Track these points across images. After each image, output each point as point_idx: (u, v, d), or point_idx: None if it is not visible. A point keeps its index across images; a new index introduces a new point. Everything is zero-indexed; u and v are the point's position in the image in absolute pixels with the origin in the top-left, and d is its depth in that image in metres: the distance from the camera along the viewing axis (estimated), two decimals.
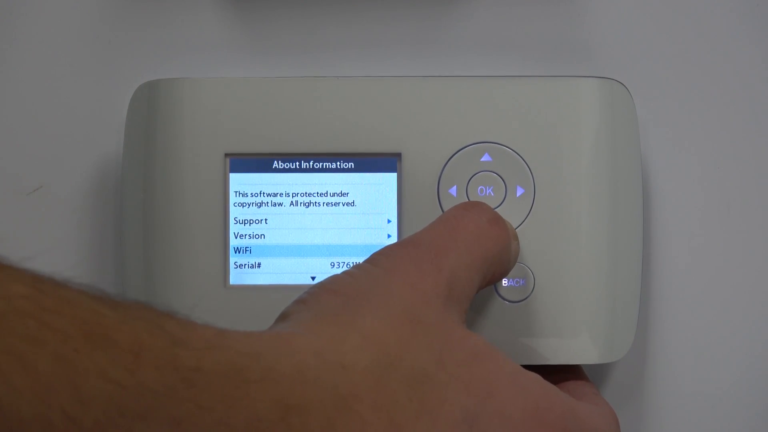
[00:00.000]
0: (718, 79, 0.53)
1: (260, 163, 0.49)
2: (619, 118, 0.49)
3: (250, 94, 0.49)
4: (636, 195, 0.49)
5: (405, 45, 0.53)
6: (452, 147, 0.49)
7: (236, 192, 0.49)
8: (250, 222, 0.49)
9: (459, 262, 0.41)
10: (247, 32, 0.53)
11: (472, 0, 0.53)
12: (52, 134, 0.53)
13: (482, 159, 0.49)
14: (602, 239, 0.48)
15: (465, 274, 0.41)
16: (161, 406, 0.30)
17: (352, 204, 0.49)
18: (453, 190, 0.49)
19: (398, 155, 0.49)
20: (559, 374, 0.48)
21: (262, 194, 0.49)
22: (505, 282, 0.48)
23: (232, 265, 0.49)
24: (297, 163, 0.49)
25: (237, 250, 0.49)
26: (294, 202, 0.49)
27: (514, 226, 0.48)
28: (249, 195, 0.49)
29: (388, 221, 0.49)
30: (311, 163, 0.49)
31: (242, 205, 0.49)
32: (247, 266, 0.49)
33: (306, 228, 0.49)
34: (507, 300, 0.48)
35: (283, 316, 0.38)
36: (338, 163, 0.49)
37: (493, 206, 0.48)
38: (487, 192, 0.49)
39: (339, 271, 0.41)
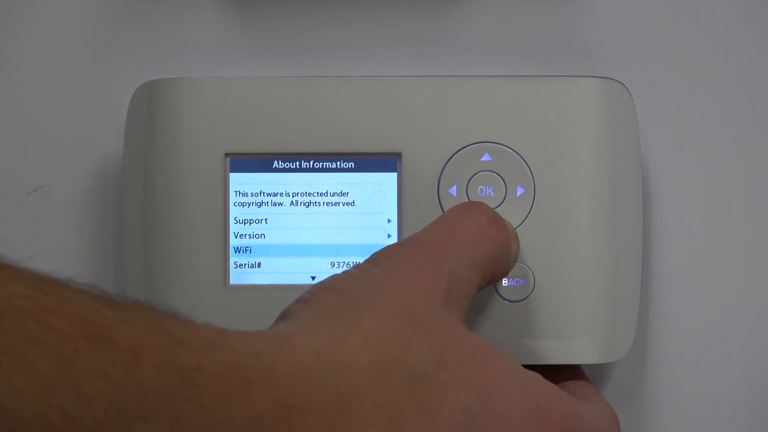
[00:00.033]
0: (718, 79, 0.53)
1: (260, 162, 0.49)
2: (619, 118, 0.49)
3: (250, 94, 0.49)
4: (636, 195, 0.49)
5: (405, 45, 0.53)
6: (452, 147, 0.49)
7: (236, 192, 0.49)
8: (250, 222, 0.49)
9: (459, 262, 0.41)
10: (247, 32, 0.53)
11: (472, 0, 0.53)
12: (52, 134, 0.53)
13: (482, 159, 0.49)
14: (602, 239, 0.48)
15: (465, 274, 0.41)
16: (161, 406, 0.30)
17: (352, 204, 0.49)
18: (453, 190, 0.49)
19: (398, 155, 0.49)
20: (559, 374, 0.49)
21: (262, 194, 0.49)
22: (505, 282, 0.48)
23: (232, 265, 0.49)
24: (297, 163, 0.49)
25: (237, 250, 0.49)
26: (294, 202, 0.49)
27: (514, 226, 0.48)
28: (249, 195, 0.49)
29: (388, 221, 0.49)
30: (311, 163, 0.49)
31: (242, 204, 0.49)
32: (247, 266, 0.49)
33: (306, 228, 0.49)
34: (507, 300, 0.48)
35: (284, 316, 0.38)
36: (338, 162, 0.49)
37: (493, 206, 0.48)
38: (487, 192, 0.49)
39: (339, 270, 0.41)
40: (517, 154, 0.49)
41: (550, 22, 0.53)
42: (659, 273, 0.53)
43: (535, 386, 0.39)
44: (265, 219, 0.49)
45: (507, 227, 0.44)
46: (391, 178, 0.49)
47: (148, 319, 0.32)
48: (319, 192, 0.49)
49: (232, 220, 0.49)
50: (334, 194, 0.49)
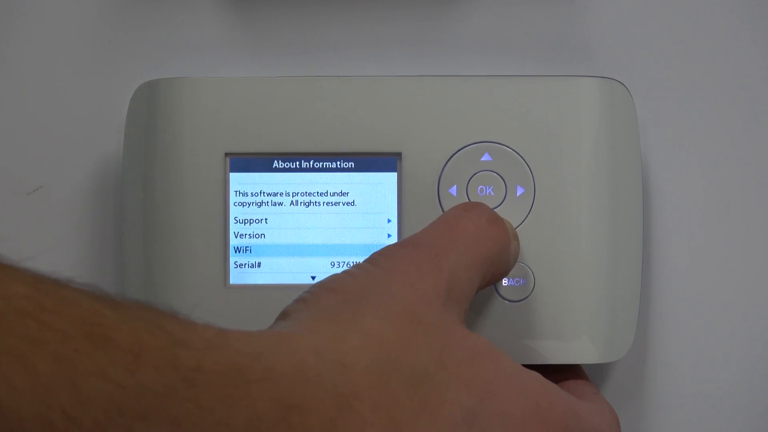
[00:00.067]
0: (718, 79, 0.53)
1: (260, 162, 0.49)
2: (619, 118, 0.49)
3: (250, 94, 0.49)
4: (636, 195, 0.49)
5: (405, 45, 0.53)
6: (452, 147, 0.49)
7: (236, 191, 0.49)
8: (250, 221, 0.49)
9: (459, 263, 0.41)
10: (247, 32, 0.53)
11: (472, 0, 0.53)
12: (52, 134, 0.53)
13: (482, 159, 0.49)
14: (602, 239, 0.48)
15: (465, 275, 0.41)
16: (161, 406, 0.30)
17: (352, 204, 0.49)
18: (453, 190, 0.49)
19: (398, 155, 0.49)
20: (559, 374, 0.49)
21: (262, 194, 0.49)
22: (505, 281, 0.48)
23: (232, 265, 0.49)
24: (297, 163, 0.49)
25: (237, 250, 0.49)
26: (294, 202, 0.49)
27: (514, 226, 0.48)
28: (249, 194, 0.49)
29: (388, 221, 0.49)
30: (311, 163, 0.49)
31: (242, 204, 0.49)
32: (247, 266, 0.49)
33: (306, 227, 0.49)
34: (507, 299, 0.48)
35: (284, 315, 0.38)
36: (338, 162, 0.49)
37: (493, 206, 0.48)
38: (487, 192, 0.49)
39: (339, 270, 0.41)
40: (517, 154, 0.49)
41: (550, 22, 0.53)
42: (659, 273, 0.53)
43: (535, 386, 0.39)
44: (265, 219, 0.49)
45: (506, 227, 0.44)
46: (391, 178, 0.49)
47: (148, 319, 0.32)
48: (319, 192, 0.49)
49: (232, 220, 0.49)
50: (334, 194, 0.49)
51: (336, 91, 0.49)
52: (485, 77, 0.49)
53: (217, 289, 0.48)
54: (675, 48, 0.53)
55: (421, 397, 0.36)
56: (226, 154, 0.49)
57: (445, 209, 0.48)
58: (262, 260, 0.49)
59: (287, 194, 0.49)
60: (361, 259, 0.42)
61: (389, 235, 0.49)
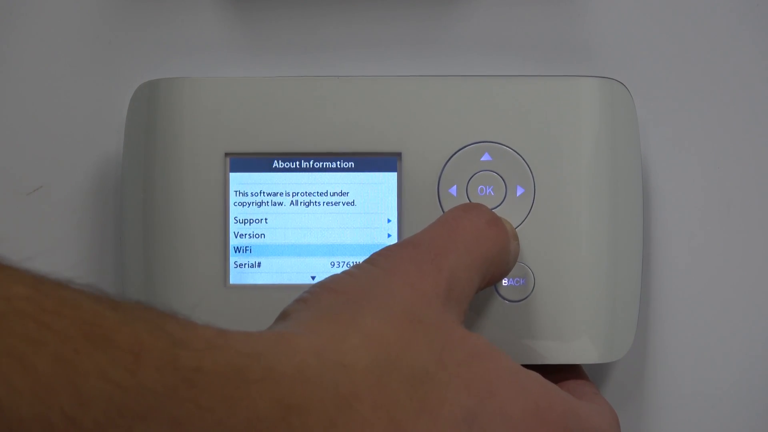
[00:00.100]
0: (718, 79, 0.53)
1: (260, 162, 0.49)
2: (619, 118, 0.49)
3: (250, 94, 0.49)
4: (636, 195, 0.49)
5: (405, 45, 0.53)
6: (452, 147, 0.49)
7: (236, 191, 0.49)
8: (250, 221, 0.49)
9: (458, 263, 0.41)
10: (247, 32, 0.53)
11: (472, 0, 0.53)
12: (52, 134, 0.53)
13: (482, 158, 0.49)
14: (602, 239, 0.48)
15: (464, 275, 0.41)
16: (161, 406, 0.30)
17: (352, 204, 0.49)
18: (453, 190, 0.49)
19: (398, 155, 0.49)
20: (559, 374, 0.49)
21: (262, 194, 0.49)
22: (505, 281, 0.48)
23: (232, 265, 0.49)
24: (297, 163, 0.49)
25: (237, 250, 0.49)
26: (294, 202, 0.49)
27: (514, 226, 0.48)
28: (249, 194, 0.49)
29: (388, 221, 0.49)
30: (311, 163, 0.49)
31: (242, 204, 0.49)
32: (247, 266, 0.49)
33: (306, 227, 0.49)
34: (507, 299, 0.48)
35: (284, 315, 0.38)
36: (338, 162, 0.49)
37: (493, 206, 0.48)
38: (487, 191, 0.49)
39: (339, 270, 0.41)
40: (517, 154, 0.49)
41: (550, 22, 0.53)
42: (659, 273, 0.53)
43: (534, 386, 0.39)
44: (265, 219, 0.49)
45: (506, 228, 0.44)
46: (391, 178, 0.49)
47: (149, 319, 0.32)
48: (319, 192, 0.49)
49: (232, 220, 0.49)
50: (334, 194, 0.49)
51: (336, 91, 0.49)
52: (485, 77, 0.49)
53: (217, 289, 0.48)
54: (675, 48, 0.53)
55: (421, 397, 0.36)
56: (226, 154, 0.49)
57: (445, 209, 0.48)
58: (262, 260, 0.49)
59: (287, 194, 0.49)
60: (361, 259, 0.42)
61: (389, 235, 0.49)
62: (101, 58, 0.53)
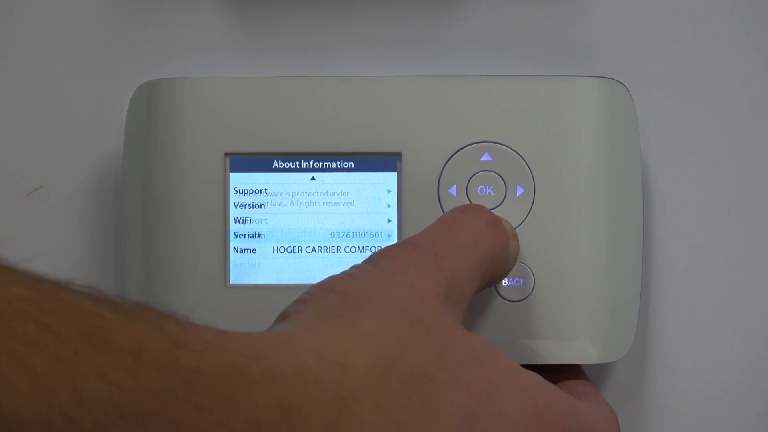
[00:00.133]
0: (718, 79, 0.53)
1: (260, 162, 0.49)
2: (619, 118, 0.49)
3: (250, 94, 0.49)
4: (636, 195, 0.49)
5: (405, 45, 0.53)
6: (452, 147, 0.49)
7: (236, 191, 0.49)
8: (250, 221, 0.49)
9: (458, 263, 0.41)
10: (247, 32, 0.53)
11: (472, 0, 0.53)
12: (52, 134, 0.53)
13: (482, 159, 0.49)
14: (602, 239, 0.48)
15: (464, 275, 0.41)
16: (161, 407, 0.30)
17: (352, 204, 0.49)
18: (453, 190, 0.49)
19: (398, 155, 0.49)
20: (559, 374, 0.49)
21: (262, 194, 0.49)
22: (505, 281, 0.48)
23: (232, 265, 0.49)
24: (297, 163, 0.49)
25: (237, 250, 0.49)
26: (294, 202, 0.49)
27: (514, 226, 0.48)
28: (249, 194, 0.49)
29: (388, 221, 0.49)
30: (311, 163, 0.49)
31: (242, 204, 0.49)
32: (247, 266, 0.49)
33: (306, 228, 0.49)
34: (507, 299, 0.48)
35: (283, 316, 0.38)
36: (338, 162, 0.49)
37: (493, 206, 0.48)
38: (487, 192, 0.49)
39: (339, 271, 0.41)
40: (517, 154, 0.49)
41: (550, 22, 0.53)
42: (659, 273, 0.53)
43: (534, 386, 0.39)
44: (265, 219, 0.49)
45: (505, 229, 0.44)
46: (391, 178, 0.49)
47: (148, 320, 0.32)
48: (319, 192, 0.49)
49: (232, 220, 0.49)
50: (334, 194, 0.49)
51: (336, 91, 0.49)
52: (485, 77, 0.49)
53: (217, 289, 0.48)
54: (675, 48, 0.53)
55: (420, 398, 0.36)
56: (226, 154, 0.49)
57: (445, 209, 0.48)
58: (262, 260, 0.49)
59: (287, 194, 0.49)
60: (360, 260, 0.42)
61: (389, 236, 0.49)
62: (101, 58, 0.53)
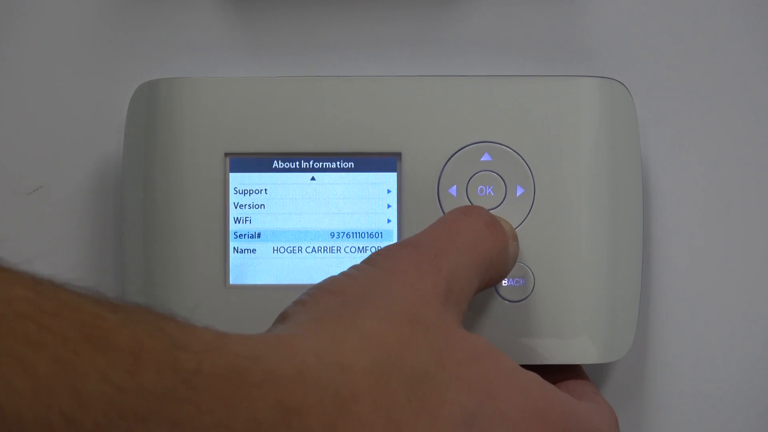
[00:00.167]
0: (718, 79, 0.53)
1: (260, 162, 0.49)
2: (619, 118, 0.49)
3: (250, 94, 0.49)
4: (636, 195, 0.49)
5: (405, 45, 0.53)
6: (452, 147, 0.49)
7: (236, 191, 0.49)
8: (250, 221, 0.49)
9: (458, 263, 0.41)
10: (247, 32, 0.53)
11: (472, 0, 0.53)
12: (52, 134, 0.53)
13: (482, 159, 0.49)
14: (602, 239, 0.48)
15: (464, 275, 0.41)
16: (161, 408, 0.30)
17: (352, 204, 0.49)
18: (453, 190, 0.49)
19: (398, 155, 0.49)
20: (559, 374, 0.49)
21: (262, 194, 0.49)
22: (505, 282, 0.48)
23: (232, 265, 0.49)
24: (297, 163, 0.49)
25: (237, 250, 0.49)
26: (294, 202, 0.49)
27: (514, 226, 0.48)
28: (249, 195, 0.49)
29: (388, 221, 0.49)
30: (311, 163, 0.49)
31: (242, 204, 0.49)
32: (247, 266, 0.49)
33: (306, 227, 0.49)
34: (507, 300, 0.48)
35: (282, 317, 0.38)
36: (338, 163, 0.49)
37: (493, 206, 0.48)
38: (487, 192, 0.49)
39: (338, 271, 0.41)
40: (517, 154, 0.49)
41: (550, 22, 0.53)
42: (659, 273, 0.53)
43: (534, 386, 0.39)
44: (265, 219, 0.49)
45: (504, 230, 0.45)
46: (391, 178, 0.49)
47: (148, 321, 0.32)
48: (319, 192, 0.49)
49: (232, 220, 0.49)
50: (334, 194, 0.49)
51: (336, 91, 0.49)
52: (485, 77, 0.49)
53: (217, 289, 0.48)
54: (675, 48, 0.53)
55: (420, 398, 0.36)
56: (226, 154, 0.49)
57: (445, 209, 0.48)
58: (262, 260, 0.49)
59: (287, 194, 0.49)
60: (360, 260, 0.42)
61: (389, 236, 0.49)
62: (101, 58, 0.53)
